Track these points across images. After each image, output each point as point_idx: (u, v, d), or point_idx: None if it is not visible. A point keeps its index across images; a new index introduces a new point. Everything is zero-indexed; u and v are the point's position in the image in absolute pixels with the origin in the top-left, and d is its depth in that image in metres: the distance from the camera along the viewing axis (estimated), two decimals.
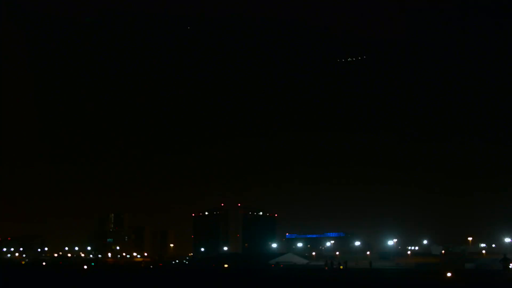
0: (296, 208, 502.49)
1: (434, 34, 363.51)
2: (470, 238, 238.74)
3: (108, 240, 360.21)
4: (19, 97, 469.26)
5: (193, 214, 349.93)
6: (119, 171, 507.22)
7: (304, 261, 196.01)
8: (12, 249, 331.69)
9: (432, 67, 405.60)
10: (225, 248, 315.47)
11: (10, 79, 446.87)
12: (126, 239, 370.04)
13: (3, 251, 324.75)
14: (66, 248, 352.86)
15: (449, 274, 65.29)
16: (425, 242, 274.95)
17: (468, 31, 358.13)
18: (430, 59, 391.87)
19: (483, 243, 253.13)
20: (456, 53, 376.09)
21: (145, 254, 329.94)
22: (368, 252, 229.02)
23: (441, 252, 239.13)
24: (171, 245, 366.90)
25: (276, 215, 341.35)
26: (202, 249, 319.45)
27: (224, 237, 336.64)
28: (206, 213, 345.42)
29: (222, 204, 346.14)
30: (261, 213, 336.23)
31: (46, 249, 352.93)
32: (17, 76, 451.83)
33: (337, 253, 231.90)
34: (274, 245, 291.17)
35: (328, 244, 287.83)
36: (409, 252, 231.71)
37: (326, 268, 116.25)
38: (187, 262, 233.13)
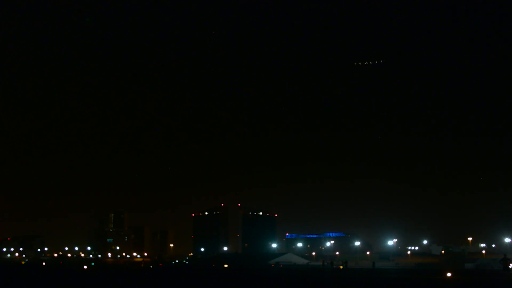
0: (296, 208, 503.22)
1: (432, 31, 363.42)
2: (470, 238, 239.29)
3: (108, 240, 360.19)
4: (19, 96, 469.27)
5: (193, 214, 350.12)
6: (119, 171, 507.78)
7: (304, 261, 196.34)
8: (12, 249, 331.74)
9: (431, 64, 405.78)
10: (225, 248, 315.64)
11: (10, 78, 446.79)
12: (126, 239, 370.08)
13: (3, 251, 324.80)
14: (66, 248, 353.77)
15: (449, 274, 65.28)
16: (425, 242, 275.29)
17: (467, 29, 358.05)
18: (428, 56, 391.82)
19: (483, 243, 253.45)
20: (454, 50, 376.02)
21: (145, 254, 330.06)
22: (368, 252, 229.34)
23: (441, 252, 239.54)
24: (171, 245, 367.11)
25: (276, 215, 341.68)
26: (202, 249, 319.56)
27: (224, 237, 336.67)
28: (206, 213, 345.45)
29: (222, 204, 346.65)
30: (261, 213, 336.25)
31: (46, 249, 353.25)
32: (17, 75, 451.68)
33: (337, 253, 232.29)
34: (274, 245, 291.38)
35: (328, 244, 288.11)
36: (409, 252, 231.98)
37: (323, 267, 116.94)
38: (187, 262, 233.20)
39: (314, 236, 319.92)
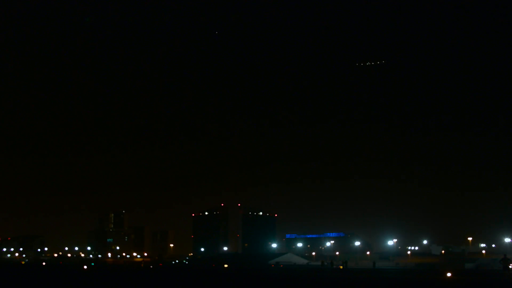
0: (296, 208, 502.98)
1: (433, 31, 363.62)
2: (470, 238, 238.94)
3: (108, 240, 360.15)
4: (19, 95, 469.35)
5: (193, 214, 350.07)
6: (119, 171, 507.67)
7: (304, 261, 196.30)
8: (12, 249, 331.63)
9: (432, 63, 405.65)
10: (225, 248, 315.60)
11: (10, 77, 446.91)
12: (126, 239, 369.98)
13: (3, 251, 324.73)
14: (66, 248, 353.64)
15: (449, 274, 65.26)
16: (425, 242, 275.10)
17: (467, 28, 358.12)
18: (428, 55, 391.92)
19: (483, 243, 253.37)
20: (454, 49, 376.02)
21: (145, 254, 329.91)
22: (368, 252, 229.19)
23: (441, 252, 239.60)
24: (171, 245, 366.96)
25: (276, 215, 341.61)
26: (202, 249, 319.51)
27: (224, 237, 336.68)
28: (206, 213, 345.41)
29: (222, 204, 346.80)
30: (261, 213, 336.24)
31: (46, 249, 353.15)
32: (17, 75, 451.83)
33: (337, 253, 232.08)
34: (274, 245, 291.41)
35: (328, 244, 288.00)
36: (409, 252, 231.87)
37: (322, 266, 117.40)
38: (187, 262, 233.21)
39: (314, 236, 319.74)
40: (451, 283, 54.19)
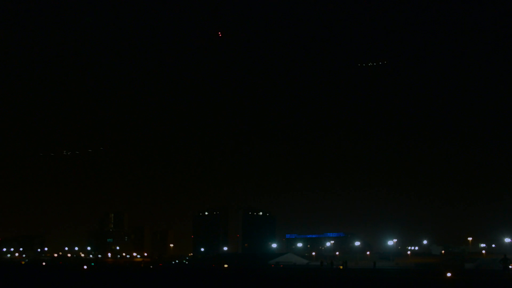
0: (296, 208, 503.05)
1: (434, 31, 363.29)
2: (470, 238, 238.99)
3: (108, 240, 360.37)
4: (18, 95, 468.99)
5: (193, 214, 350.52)
6: (119, 171, 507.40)
7: (304, 261, 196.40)
8: (12, 249, 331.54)
9: (431, 71, 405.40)
10: (225, 248, 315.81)
11: (10, 77, 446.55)
12: (126, 239, 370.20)
13: (3, 251, 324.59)
14: (66, 248, 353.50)
15: (449, 274, 65.29)
16: (425, 242, 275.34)
17: (467, 32, 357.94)
18: (429, 63, 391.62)
19: (483, 243, 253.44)
20: (455, 57, 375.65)
21: (145, 254, 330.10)
22: (368, 252, 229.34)
23: (441, 252, 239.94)
24: (171, 245, 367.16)
25: (276, 215, 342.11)
26: (202, 249, 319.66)
27: (224, 237, 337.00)
28: (206, 213, 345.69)
29: (222, 204, 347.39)
30: (261, 213, 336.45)
31: (46, 249, 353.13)
32: (17, 74, 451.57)
33: (337, 253, 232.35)
34: (274, 245, 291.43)
35: (328, 244, 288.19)
36: (409, 252, 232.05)
37: (321, 266, 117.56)
38: (187, 262, 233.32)
39: (314, 236, 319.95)
40: (451, 283, 54.19)
